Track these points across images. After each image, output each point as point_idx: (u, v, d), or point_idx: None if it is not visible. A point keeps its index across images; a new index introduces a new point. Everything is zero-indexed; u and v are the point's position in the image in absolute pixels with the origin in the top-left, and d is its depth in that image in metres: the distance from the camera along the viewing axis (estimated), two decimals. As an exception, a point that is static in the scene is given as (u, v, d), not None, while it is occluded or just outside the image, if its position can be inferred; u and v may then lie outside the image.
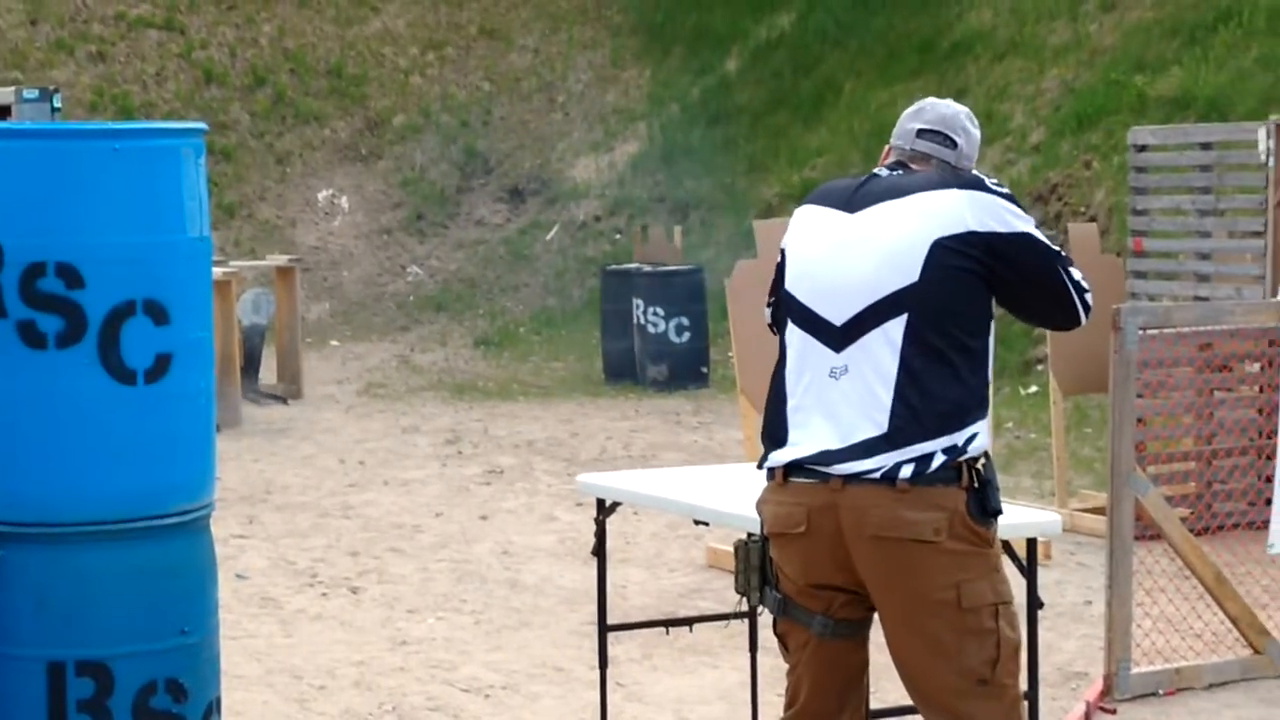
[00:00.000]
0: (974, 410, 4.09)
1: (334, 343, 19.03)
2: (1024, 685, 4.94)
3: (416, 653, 7.45)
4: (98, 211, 4.52)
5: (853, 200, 4.19)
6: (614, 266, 17.28)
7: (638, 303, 15.85)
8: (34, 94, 5.32)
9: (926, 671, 4.09)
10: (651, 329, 15.70)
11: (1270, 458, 7.00)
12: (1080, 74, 17.65)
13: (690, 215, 20.18)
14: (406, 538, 9.71)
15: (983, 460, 4.09)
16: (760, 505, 4.24)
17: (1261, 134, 10.09)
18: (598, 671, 7.08)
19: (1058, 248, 4.23)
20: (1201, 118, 14.94)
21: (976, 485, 4.05)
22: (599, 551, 5.59)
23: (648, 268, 16.26)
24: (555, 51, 23.32)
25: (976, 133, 4.34)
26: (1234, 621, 6.89)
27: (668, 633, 6.41)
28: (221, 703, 4.91)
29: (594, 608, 7.92)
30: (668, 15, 23.41)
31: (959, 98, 18.63)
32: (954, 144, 4.25)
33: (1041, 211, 16.65)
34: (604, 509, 5.49)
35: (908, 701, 4.32)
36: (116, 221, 4.55)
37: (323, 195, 21.67)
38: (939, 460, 4.00)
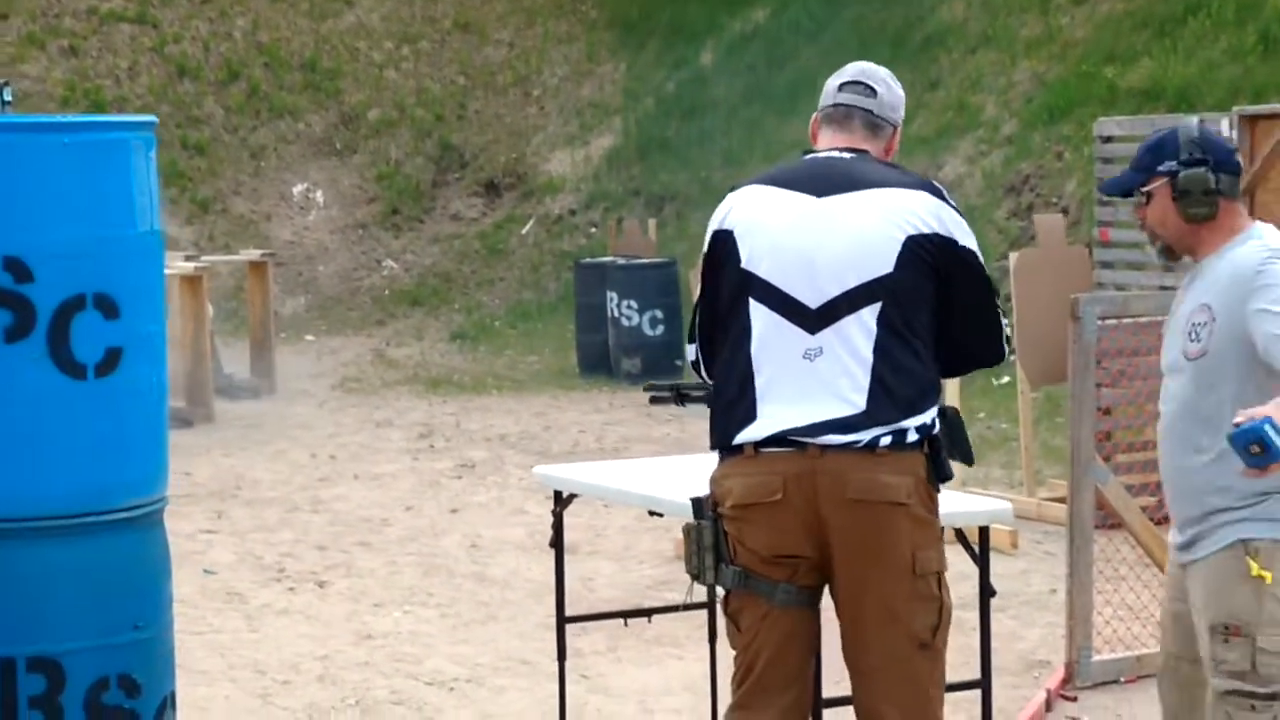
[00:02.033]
0: (934, 393, 4.25)
1: (309, 337, 19.02)
2: (977, 673, 4.97)
3: (381, 646, 7.45)
4: (46, 205, 4.51)
5: (820, 185, 4.21)
6: (588, 260, 17.28)
7: (612, 296, 15.86)
8: (-16, 87, 5.29)
9: (876, 636, 4.18)
10: (625, 322, 15.71)
11: None
12: (1051, 66, 17.68)
13: (665, 208, 20.18)
14: (375, 531, 9.70)
15: (939, 431, 4.19)
16: (719, 480, 4.25)
17: (1225, 124, 10.12)
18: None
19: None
20: (1171, 109, 14.97)
21: (933, 451, 4.19)
22: (557, 544, 5.59)
23: (621, 261, 16.27)
24: (530, 45, 23.31)
25: (899, 90, 4.43)
26: (1195, 610, 6.88)
27: (626, 624, 6.41)
28: (176, 698, 4.89)
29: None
30: (643, 9, 23.42)
31: (931, 90, 18.77)
32: (874, 92, 4.36)
33: (1013, 202, 16.71)
34: (561, 501, 5.49)
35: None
36: (65, 215, 4.53)
37: (297, 190, 21.64)
38: (912, 436, 4.14)
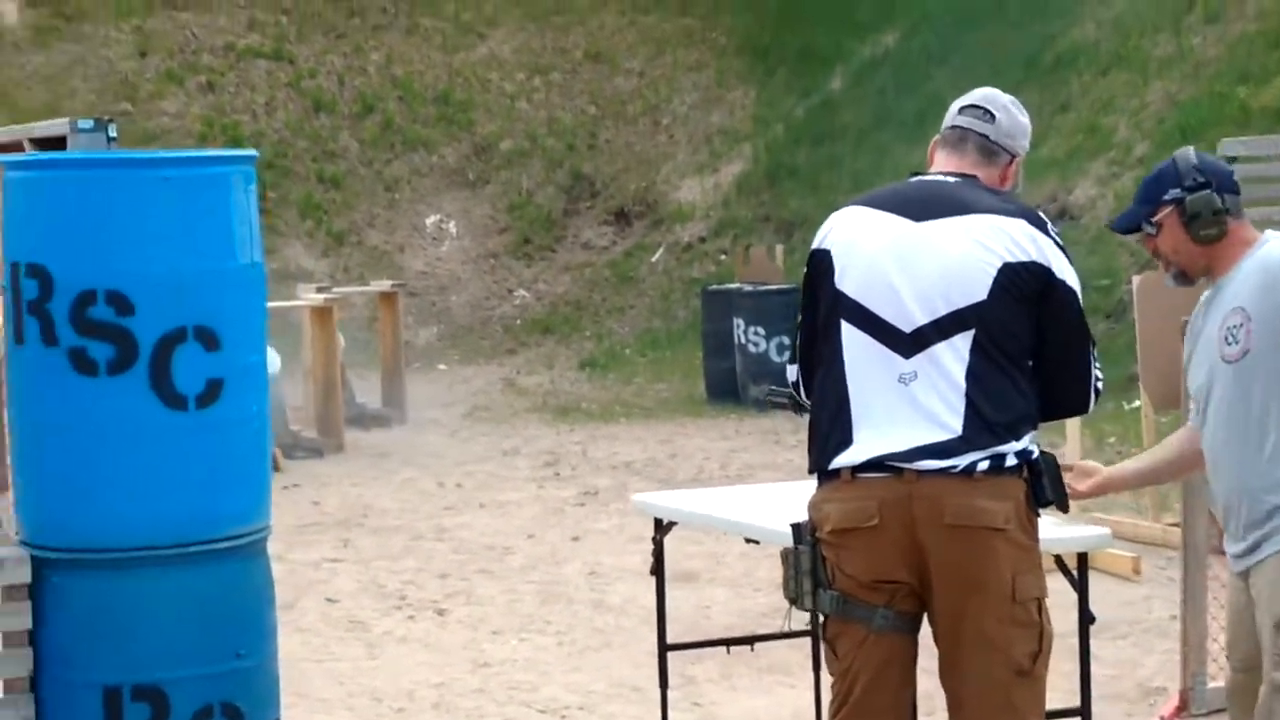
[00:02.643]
0: (1031, 421, 4.21)
1: (441, 366, 19.19)
2: (1077, 700, 4.92)
3: (497, 674, 7.50)
4: (147, 239, 4.59)
5: (918, 209, 4.21)
6: (715, 287, 17.30)
7: (738, 322, 15.86)
8: (89, 124, 5.40)
9: (974, 663, 4.15)
10: (752, 348, 15.70)
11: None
12: (1184, 86, 17.46)
13: (794, 234, 20.13)
14: (497, 559, 9.76)
15: (1037, 455, 4.18)
16: (817, 505, 4.25)
17: (1354, 143, 9.92)
18: (674, 692, 7.14)
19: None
20: (1305, 128, 14.72)
21: (1032, 476, 4.17)
22: (657, 571, 5.60)
23: (748, 287, 16.26)
24: (660, 74, 23.40)
25: (1023, 119, 4.40)
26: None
27: (729, 651, 6.41)
28: (283, 725, 4.94)
29: (678, 628, 8.00)
30: (773, 35, 23.42)
31: (1062, 112, 18.61)
32: (992, 117, 4.34)
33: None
34: (661, 528, 5.50)
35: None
36: (166, 249, 4.62)
37: (430, 221, 21.86)
38: (1011, 461, 4.12)
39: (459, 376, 18.54)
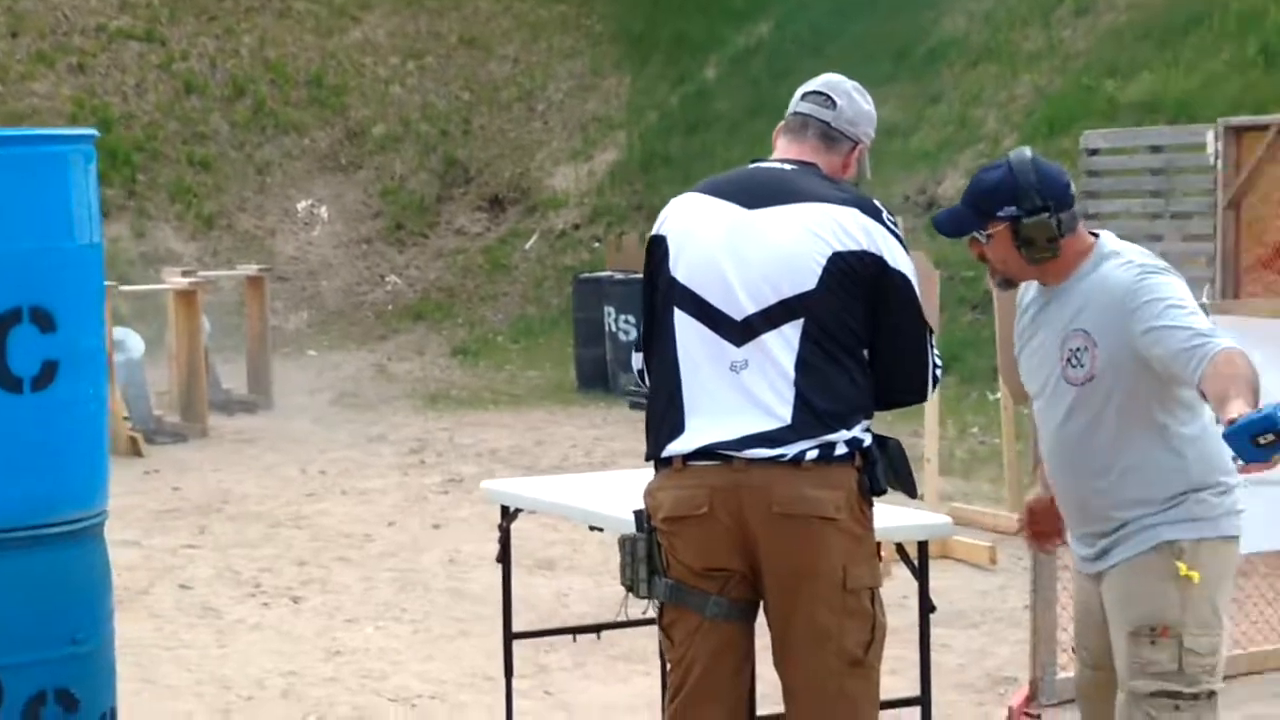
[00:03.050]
0: (864, 411, 4.17)
1: (311, 352, 19.03)
2: (906, 690, 4.93)
3: (349, 663, 7.42)
4: (-20, 218, 4.49)
5: (752, 196, 4.17)
6: (587, 275, 17.27)
7: (609, 311, 15.84)
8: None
9: (805, 652, 4.12)
10: (623, 337, 15.68)
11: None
12: (1053, 79, 17.64)
13: (668, 223, 20.14)
14: (355, 547, 9.68)
15: (871, 444, 4.14)
16: (652, 493, 4.24)
17: (1210, 136, 10.06)
18: (525, 680, 7.12)
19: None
20: (1171, 122, 14.91)
21: (866, 464, 4.13)
22: (504, 559, 5.57)
23: (619, 276, 16.24)
24: (535, 60, 23.33)
25: (867, 107, 4.34)
26: (1162, 626, 6.83)
27: (575, 640, 6.39)
28: (118, 713, 4.85)
29: (535, 615, 7.97)
30: (647, 23, 23.42)
31: (933, 104, 18.72)
32: (834, 104, 4.29)
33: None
34: (508, 515, 5.47)
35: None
36: (1, 228, 4.52)
37: (302, 205, 21.67)
38: (841, 450, 4.08)
39: (329, 362, 18.40)
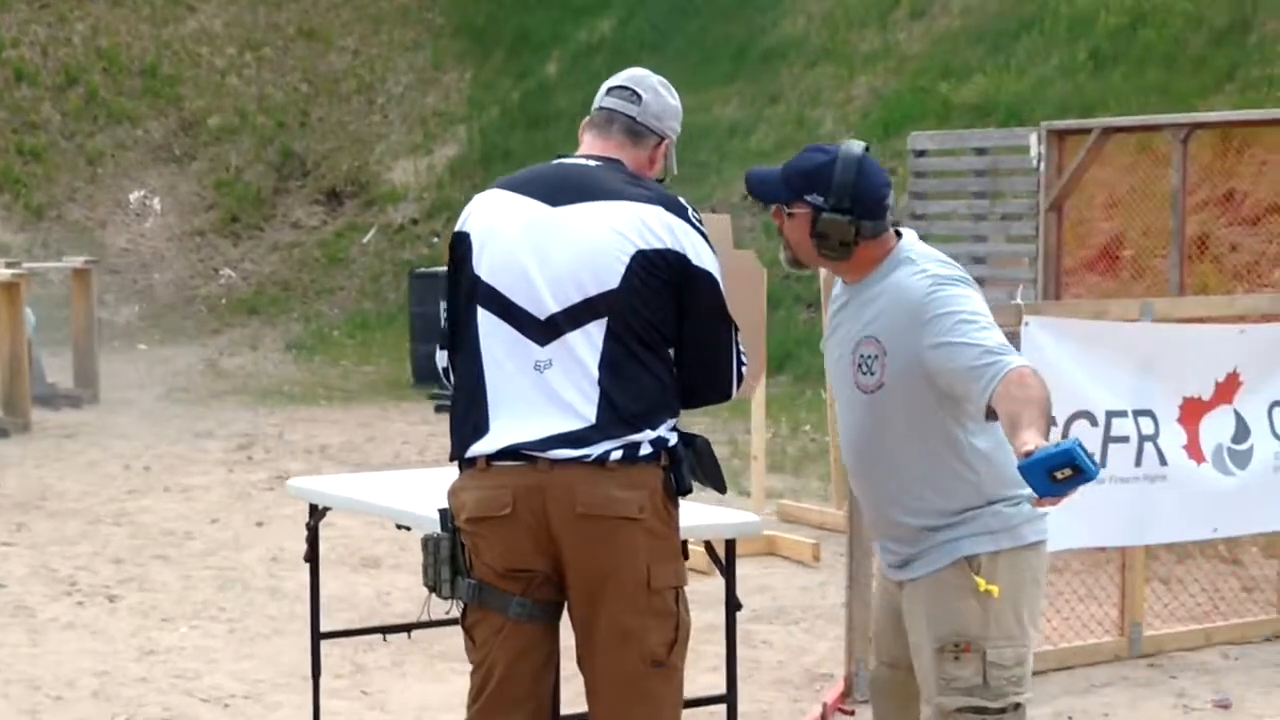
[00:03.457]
0: (669, 410, 4.12)
1: (141, 346, 18.74)
2: (723, 688, 4.92)
3: (163, 662, 7.29)
4: None
5: (555, 193, 4.12)
6: (424, 270, 17.15)
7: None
8: None
9: (608, 653, 4.08)
10: (458, 333, 15.56)
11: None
12: (888, 80, 17.78)
13: (507, 219, 20.09)
14: (175, 545, 9.52)
15: (678, 443, 4.10)
16: (455, 493, 4.18)
17: (1033, 139, 10.17)
18: (342, 680, 7.04)
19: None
20: (1002, 124, 15.08)
21: (671, 463, 4.09)
22: (311, 558, 5.49)
23: (455, 271, 16.12)
24: (375, 53, 23.15)
25: (673, 101, 4.29)
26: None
27: (385, 639, 6.32)
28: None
29: (353, 614, 7.88)
30: (489, 18, 23.34)
31: (771, 104, 18.80)
32: (639, 98, 4.23)
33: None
34: (316, 514, 5.39)
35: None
36: None
37: (134, 196, 21.34)
38: (645, 450, 4.04)
39: (159, 357, 18.13)
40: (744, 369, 4.25)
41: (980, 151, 11.01)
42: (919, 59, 17.79)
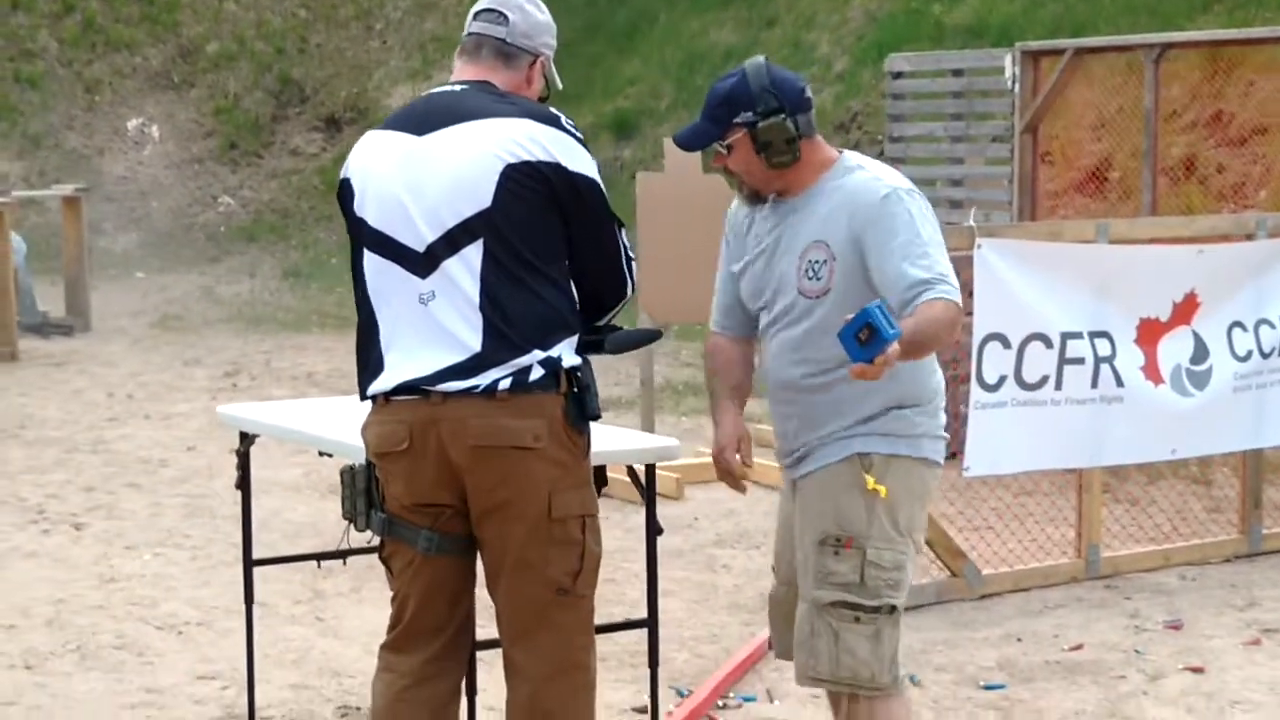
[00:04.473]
0: (564, 328, 4.06)
1: (139, 274, 18.74)
2: (644, 613, 4.91)
3: (121, 589, 7.32)
4: None
5: (422, 123, 4.08)
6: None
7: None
8: None
9: (512, 582, 4.08)
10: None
11: (964, 382, 7.00)
12: (883, 4, 17.65)
13: (505, 144, 20.02)
14: (149, 473, 9.54)
15: (581, 368, 4.06)
16: (364, 429, 4.18)
17: (1008, 60, 10.08)
18: (301, 606, 7.06)
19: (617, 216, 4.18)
20: (995, 45, 14.96)
21: (576, 390, 4.04)
22: (243, 485, 5.48)
23: (447, 197, 16.08)
24: (373, -22, 23.03)
25: (542, 17, 4.24)
26: (929, 544, 6.89)
27: (319, 565, 6.35)
28: None
29: (318, 540, 7.89)
30: (488, -59, 23.17)
31: (768, 28, 18.69)
32: (506, 19, 4.17)
33: (841, 140, 16.69)
34: (246, 440, 5.38)
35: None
36: None
37: (132, 124, 21.30)
38: (537, 372, 3.99)
39: (156, 285, 18.13)
40: (633, 265, 4.22)
41: (957, 73, 10.93)
42: (914, -20, 17.65)
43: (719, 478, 4.46)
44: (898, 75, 11.28)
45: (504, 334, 3.97)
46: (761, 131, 4.19)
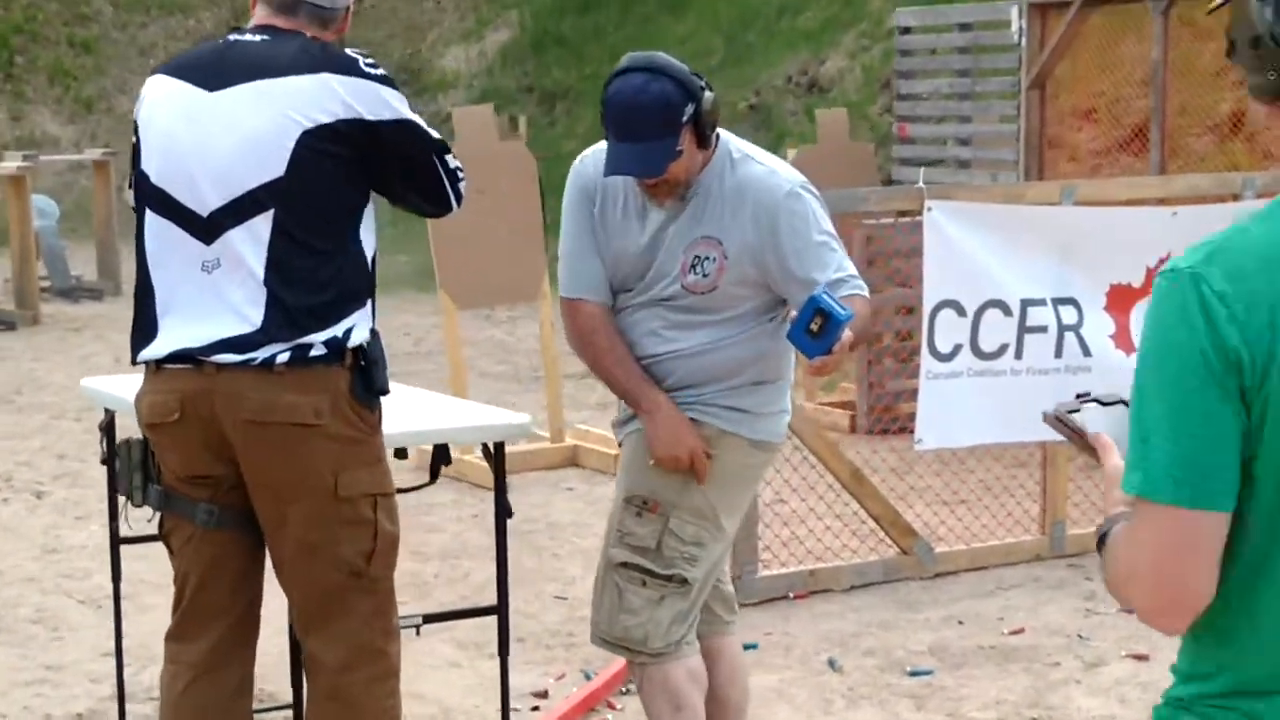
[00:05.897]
0: (350, 303, 3.79)
1: (185, 238, 18.65)
2: (494, 599, 4.66)
3: (58, 562, 7.16)
4: None
5: (214, 75, 3.80)
6: (455, 158, 16.90)
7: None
8: None
9: (299, 566, 3.84)
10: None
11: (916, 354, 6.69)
12: (931, -44, 17.21)
13: (557, 106, 19.79)
14: (127, 440, 9.39)
15: (368, 340, 3.80)
16: (138, 399, 3.94)
17: (1014, 13, 9.68)
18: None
19: (436, 134, 3.87)
20: None
21: (363, 364, 3.80)
22: (108, 461, 5.26)
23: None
24: (430, -62, 22.81)
25: None
26: (877, 520, 6.60)
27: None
28: None
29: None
30: (545, -99, 22.89)
31: (818, -16, 18.24)
32: None
33: (888, 98, 16.32)
34: (109, 413, 5.16)
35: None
36: None
37: (186, 88, 21.22)
38: (318, 351, 3.74)
39: (200, 248, 18.02)
40: (461, 184, 3.93)
41: (964, 27, 10.53)
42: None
43: (676, 468, 4.14)
44: (905, 30, 10.91)
45: (288, 311, 3.71)
46: (705, 115, 3.96)
